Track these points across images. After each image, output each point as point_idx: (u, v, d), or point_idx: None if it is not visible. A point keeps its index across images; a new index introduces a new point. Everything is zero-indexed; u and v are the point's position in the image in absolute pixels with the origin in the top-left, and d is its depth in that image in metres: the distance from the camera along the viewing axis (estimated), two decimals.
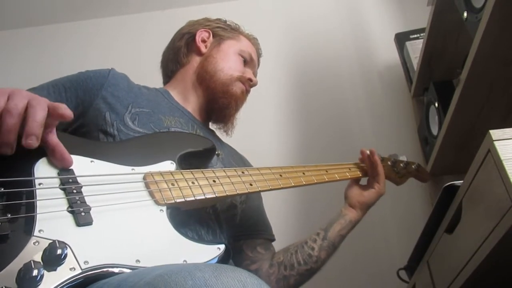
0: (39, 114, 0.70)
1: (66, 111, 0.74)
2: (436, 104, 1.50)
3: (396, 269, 1.32)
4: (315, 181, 1.12)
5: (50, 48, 2.31)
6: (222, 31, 1.31)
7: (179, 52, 1.30)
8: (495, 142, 0.72)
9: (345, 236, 1.16)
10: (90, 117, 1.01)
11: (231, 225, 1.12)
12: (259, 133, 2.00)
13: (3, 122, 0.68)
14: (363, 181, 1.25)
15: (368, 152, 1.23)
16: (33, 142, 0.69)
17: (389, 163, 1.31)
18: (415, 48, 1.83)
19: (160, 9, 2.36)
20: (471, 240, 0.82)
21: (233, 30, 1.33)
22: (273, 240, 1.25)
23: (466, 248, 0.84)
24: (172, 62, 1.31)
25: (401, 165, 1.32)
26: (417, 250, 1.19)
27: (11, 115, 0.68)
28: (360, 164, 1.25)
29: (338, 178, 1.18)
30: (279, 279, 1.13)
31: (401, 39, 1.92)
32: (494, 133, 0.73)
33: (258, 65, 1.39)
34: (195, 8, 2.16)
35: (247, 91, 1.29)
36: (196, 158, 0.99)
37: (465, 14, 1.17)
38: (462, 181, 0.89)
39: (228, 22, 1.36)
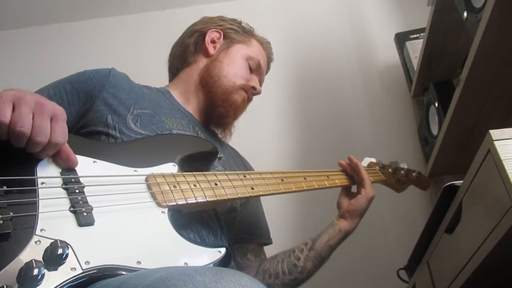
0: (41, 140, 0.71)
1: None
2: (436, 104, 1.50)
3: (396, 269, 1.32)
4: (316, 187, 1.12)
5: (50, 48, 2.31)
6: (234, 33, 1.29)
7: (187, 50, 1.28)
8: (495, 142, 0.71)
9: (334, 247, 1.13)
10: (92, 119, 1.01)
11: (230, 227, 1.12)
12: (259, 133, 2.00)
13: (12, 142, 0.69)
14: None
15: (344, 162, 1.22)
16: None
17: (390, 170, 1.31)
18: (415, 48, 1.83)
19: (160, 9, 2.36)
20: (471, 240, 0.82)
21: (246, 33, 1.31)
22: (268, 243, 1.25)
23: (466, 248, 0.84)
24: (178, 59, 1.29)
25: (402, 172, 1.32)
26: (417, 250, 1.19)
27: (19, 139, 0.69)
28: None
29: (339, 184, 1.18)
30: None
31: (401, 39, 1.92)
32: (494, 133, 0.73)
33: (268, 70, 1.37)
34: (195, 8, 2.16)
35: (249, 99, 1.27)
36: (198, 161, 0.99)
37: (465, 14, 1.17)
38: (462, 181, 0.89)
39: (242, 24, 1.33)
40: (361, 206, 1.15)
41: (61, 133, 0.74)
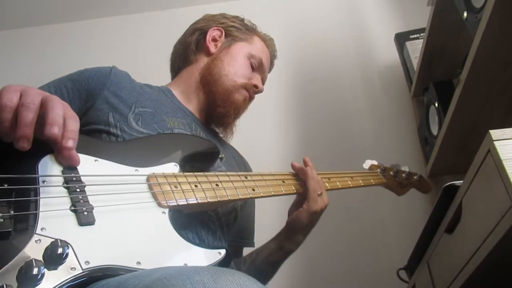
0: (57, 115, 0.70)
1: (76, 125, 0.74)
2: (436, 104, 1.50)
3: (396, 269, 1.32)
4: None
5: (50, 48, 2.31)
6: (236, 31, 1.28)
7: (188, 48, 1.27)
8: (495, 142, 0.71)
9: (277, 263, 1.08)
10: (93, 117, 1.01)
11: (229, 229, 1.12)
12: (259, 133, 2.00)
13: (20, 116, 0.67)
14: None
15: (298, 164, 1.11)
16: (58, 138, 0.71)
17: (391, 173, 1.31)
18: (415, 48, 1.83)
19: (160, 9, 2.36)
20: (471, 240, 0.82)
21: (248, 31, 1.29)
22: (251, 246, 1.24)
23: (466, 248, 0.84)
24: (180, 58, 1.29)
25: (403, 175, 1.32)
26: (417, 250, 1.19)
27: (28, 109, 0.68)
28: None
29: (340, 186, 1.18)
30: None
31: (401, 39, 1.93)
32: (494, 133, 0.73)
33: (272, 67, 1.36)
34: (195, 8, 2.16)
35: (251, 98, 1.26)
36: (199, 161, 0.99)
37: (465, 14, 1.17)
38: (462, 181, 0.89)
39: (245, 21, 1.32)
40: (301, 222, 1.05)
41: (74, 116, 0.74)
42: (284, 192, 1.05)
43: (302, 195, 1.09)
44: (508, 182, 0.67)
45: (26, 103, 0.68)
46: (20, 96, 0.70)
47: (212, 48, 1.25)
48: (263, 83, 1.30)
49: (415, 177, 1.34)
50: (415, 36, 1.87)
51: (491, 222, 0.73)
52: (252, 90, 1.24)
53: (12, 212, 0.65)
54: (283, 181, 1.07)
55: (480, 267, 0.79)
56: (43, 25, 2.37)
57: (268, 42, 1.32)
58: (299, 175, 1.11)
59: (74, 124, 0.74)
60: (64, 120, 0.72)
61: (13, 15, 2.33)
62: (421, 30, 1.80)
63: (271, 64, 1.36)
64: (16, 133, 0.67)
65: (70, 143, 0.72)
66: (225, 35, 1.27)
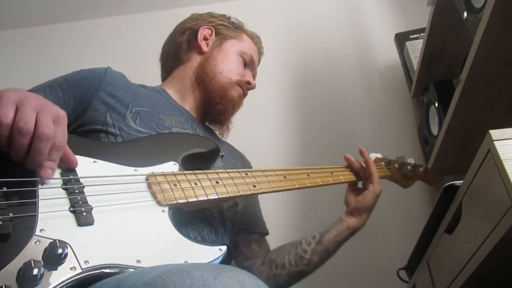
0: (48, 134, 0.70)
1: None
2: (436, 104, 1.50)
3: (396, 269, 1.32)
4: (320, 183, 1.11)
5: (50, 48, 2.31)
6: (225, 29, 1.29)
7: (180, 48, 1.28)
8: (495, 142, 0.71)
9: (342, 242, 1.14)
10: (89, 117, 1.01)
11: (233, 222, 1.12)
12: (259, 133, 2.00)
13: (15, 141, 0.68)
14: None
15: (351, 156, 1.21)
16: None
17: (396, 165, 1.31)
18: (415, 48, 1.83)
19: (160, 9, 2.36)
20: (471, 240, 0.82)
21: (236, 29, 1.31)
22: (267, 234, 1.26)
23: (466, 248, 0.84)
24: (171, 58, 1.29)
25: (409, 167, 1.32)
26: (417, 250, 1.19)
27: (22, 135, 0.68)
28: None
29: (343, 180, 1.17)
30: (269, 277, 1.13)
31: (401, 39, 1.92)
32: (494, 133, 0.72)
33: (259, 63, 1.38)
34: (195, 8, 2.14)
35: (244, 95, 1.28)
36: (200, 159, 0.99)
37: (465, 14, 1.17)
38: (462, 181, 0.89)
39: (232, 19, 1.34)
40: (368, 203, 1.15)
41: (63, 137, 0.74)
42: (285, 187, 1.04)
43: (354, 184, 1.21)
44: (508, 182, 0.67)
45: (20, 127, 0.68)
46: (16, 109, 0.70)
47: (204, 46, 1.26)
48: (253, 79, 1.32)
49: (420, 169, 1.34)
50: (415, 36, 1.87)
51: (491, 222, 0.73)
52: (246, 87, 1.26)
53: (11, 214, 0.65)
54: (285, 177, 1.06)
55: (480, 267, 0.79)
56: (43, 25, 2.36)
57: (255, 39, 1.34)
58: (355, 164, 1.20)
59: (62, 140, 0.74)
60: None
61: (13, 15, 2.33)
62: (421, 30, 1.80)
63: (259, 61, 1.38)
64: (12, 157, 0.69)
65: (50, 165, 0.72)
66: (215, 33, 1.28)
